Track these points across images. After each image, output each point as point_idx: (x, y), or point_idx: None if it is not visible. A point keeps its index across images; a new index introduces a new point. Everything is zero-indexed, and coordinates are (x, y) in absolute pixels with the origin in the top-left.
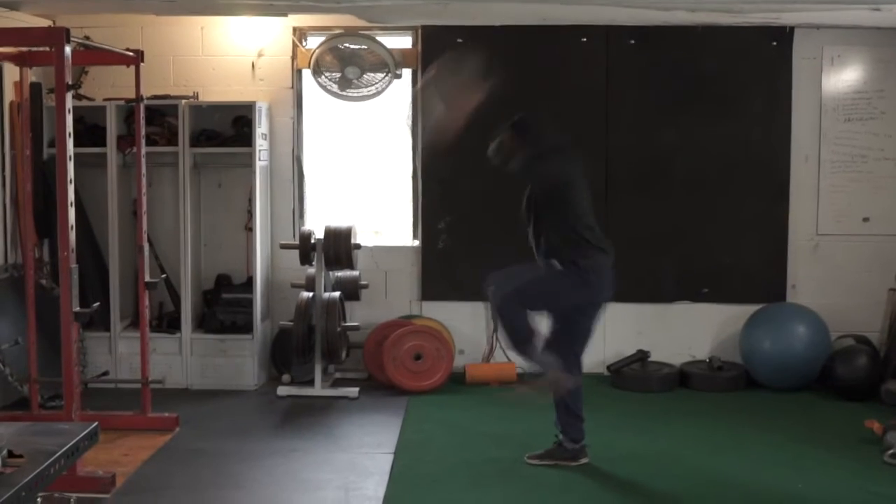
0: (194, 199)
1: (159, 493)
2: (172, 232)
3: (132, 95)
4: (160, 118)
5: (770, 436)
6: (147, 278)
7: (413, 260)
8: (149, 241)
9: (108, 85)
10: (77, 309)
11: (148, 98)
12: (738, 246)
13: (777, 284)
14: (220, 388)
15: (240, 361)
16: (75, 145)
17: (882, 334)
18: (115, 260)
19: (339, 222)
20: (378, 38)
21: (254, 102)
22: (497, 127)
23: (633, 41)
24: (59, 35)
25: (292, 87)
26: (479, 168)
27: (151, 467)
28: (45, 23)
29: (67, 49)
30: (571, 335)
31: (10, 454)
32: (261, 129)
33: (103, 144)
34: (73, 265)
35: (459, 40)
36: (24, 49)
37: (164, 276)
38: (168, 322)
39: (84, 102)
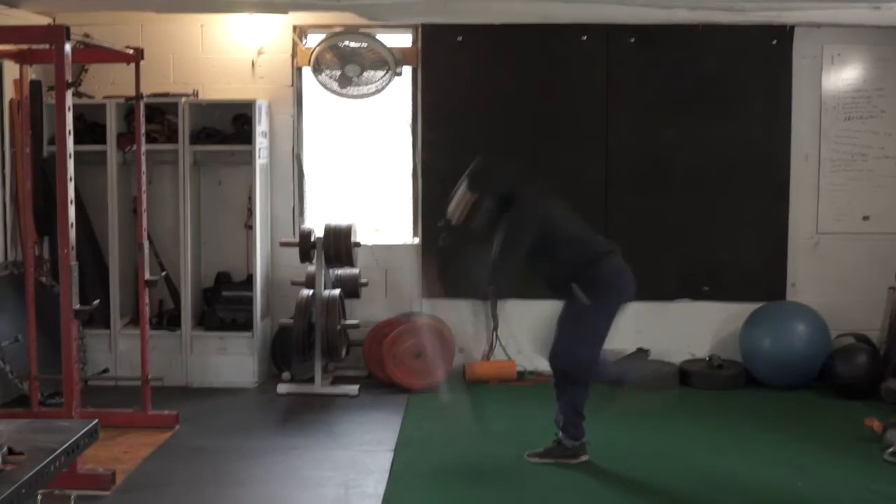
0: (194, 196)
1: (159, 490)
2: (172, 229)
3: (132, 93)
4: (160, 116)
5: (770, 434)
6: (147, 276)
7: (413, 258)
8: (149, 238)
9: (108, 83)
10: (77, 306)
11: (148, 96)
12: (738, 244)
13: (777, 283)
14: (220, 386)
15: (240, 359)
16: (75, 143)
17: (882, 332)
18: (115, 257)
19: (339, 220)
20: (378, 36)
21: (254, 100)
22: (497, 126)
23: (633, 39)
24: (58, 33)
25: (292, 85)
26: None
27: (151, 464)
28: (44, 20)
29: (67, 47)
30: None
31: (11, 451)
32: (261, 126)
33: (103, 142)
34: (73, 263)
35: (459, 38)
36: (24, 47)
37: (164, 273)
38: (168, 319)
39: (84, 100)
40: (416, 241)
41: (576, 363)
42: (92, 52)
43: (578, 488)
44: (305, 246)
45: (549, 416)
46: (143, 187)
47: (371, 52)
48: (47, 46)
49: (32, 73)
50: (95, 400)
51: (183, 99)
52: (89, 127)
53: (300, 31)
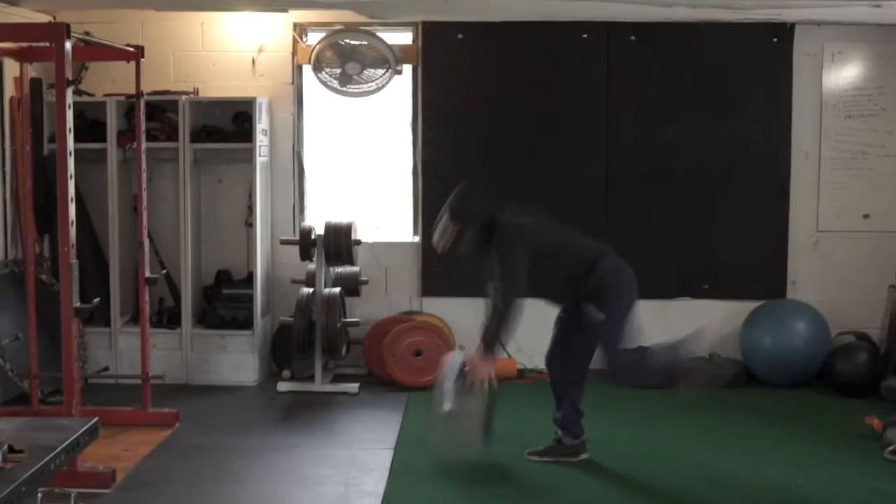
0: (194, 194)
1: (160, 488)
2: (173, 227)
3: (132, 91)
4: (160, 114)
5: (770, 432)
6: (147, 274)
7: (413, 256)
8: (149, 236)
9: (109, 80)
10: (77, 304)
11: (148, 94)
12: (738, 242)
13: (777, 281)
14: (221, 384)
15: (240, 357)
16: (75, 141)
17: (882, 331)
18: (115, 255)
19: (339, 218)
20: (378, 34)
21: (254, 98)
22: (498, 124)
23: (633, 37)
24: (59, 30)
25: (293, 83)
26: (480, 163)
27: (152, 463)
28: (45, 18)
29: (67, 44)
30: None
31: (11, 449)
32: (261, 124)
33: (103, 140)
34: (74, 261)
35: (460, 36)
36: (25, 44)
37: (164, 271)
38: (168, 317)
39: (84, 98)
40: (417, 239)
41: (630, 368)
42: (92, 50)
43: (578, 486)
44: (306, 244)
45: (549, 415)
46: (144, 185)
47: (371, 49)
48: (48, 44)
49: (33, 70)
50: (96, 398)
51: (183, 97)
52: (90, 125)
53: (300, 29)
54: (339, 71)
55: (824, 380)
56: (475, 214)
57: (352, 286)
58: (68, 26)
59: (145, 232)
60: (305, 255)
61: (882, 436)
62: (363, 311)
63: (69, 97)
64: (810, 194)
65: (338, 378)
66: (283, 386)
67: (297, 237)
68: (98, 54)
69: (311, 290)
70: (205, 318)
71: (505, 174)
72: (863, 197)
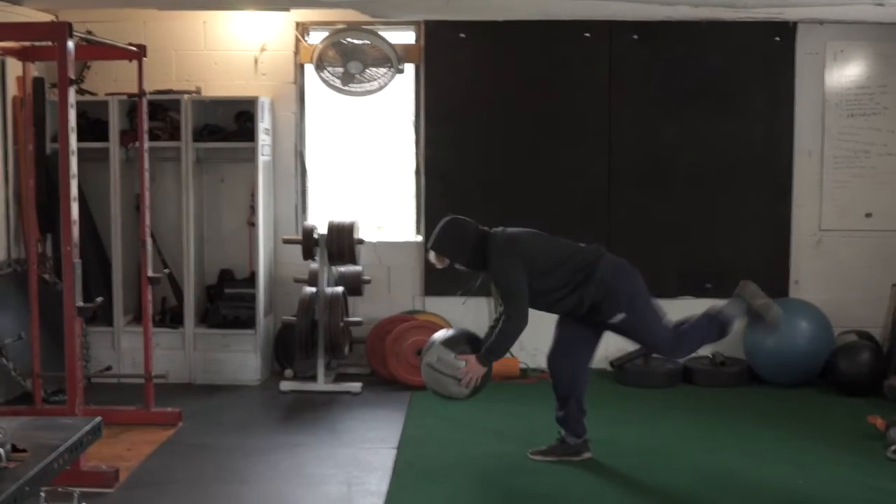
0: (197, 194)
1: (163, 487)
2: (175, 227)
3: (135, 90)
4: (163, 113)
5: (772, 431)
6: (150, 273)
7: (416, 255)
8: (151, 235)
9: (111, 80)
10: (80, 304)
11: (150, 93)
12: (740, 241)
13: (780, 280)
14: (223, 383)
15: (242, 356)
16: (78, 140)
17: (885, 330)
18: (117, 255)
19: (341, 217)
20: (381, 33)
21: (256, 97)
22: (500, 123)
23: (635, 36)
24: (61, 30)
25: (295, 82)
26: (482, 163)
27: (155, 462)
28: (47, 17)
29: (70, 44)
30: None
31: (14, 448)
32: (263, 124)
33: (106, 139)
34: (76, 260)
35: (462, 35)
36: (27, 44)
37: (166, 270)
38: (171, 317)
39: (87, 97)
40: (419, 238)
41: (680, 342)
42: (94, 49)
43: (581, 485)
44: (308, 243)
45: (551, 414)
46: (146, 184)
47: (374, 48)
48: (50, 43)
49: (35, 70)
50: (98, 397)
51: (185, 96)
52: (92, 124)
53: (303, 28)
54: (341, 70)
55: (827, 379)
56: (459, 250)
57: (354, 285)
58: (71, 25)
59: (148, 231)
60: (308, 255)
61: (885, 435)
62: (366, 311)
63: (72, 96)
64: (813, 193)
65: (340, 377)
66: (285, 385)
67: (300, 236)
68: (100, 53)
69: (313, 289)
70: (207, 318)
71: (506, 173)
72: (865, 196)
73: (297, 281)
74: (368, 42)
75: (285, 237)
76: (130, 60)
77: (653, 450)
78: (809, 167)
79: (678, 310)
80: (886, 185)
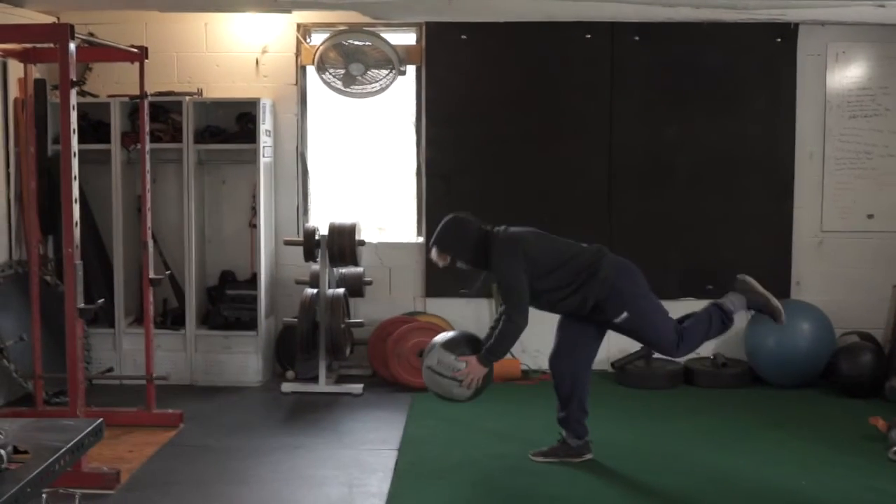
0: (198, 195)
1: (164, 489)
2: (177, 228)
3: (136, 92)
4: (164, 115)
5: (774, 432)
6: (151, 275)
7: (417, 256)
8: (153, 237)
9: (113, 81)
10: (81, 305)
11: (152, 95)
12: (742, 242)
13: (781, 281)
14: (225, 385)
15: (244, 358)
16: (79, 142)
17: (886, 331)
18: (119, 256)
19: (343, 219)
20: (382, 35)
21: (258, 99)
22: (501, 124)
23: (637, 38)
24: (63, 31)
25: (296, 84)
26: (483, 164)
27: (156, 463)
28: (49, 19)
29: (72, 45)
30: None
31: (16, 450)
32: (265, 125)
33: (107, 141)
34: (78, 262)
35: (463, 37)
36: (29, 45)
37: (168, 272)
38: (172, 318)
39: (88, 99)
40: (420, 239)
41: (685, 338)
42: (96, 51)
43: (583, 486)
44: (309, 245)
45: (553, 415)
46: (148, 186)
47: (375, 50)
48: (52, 45)
49: (37, 72)
50: (100, 399)
51: (187, 98)
52: (93, 126)
53: (304, 30)
54: (342, 72)
55: (828, 380)
56: (463, 246)
57: (356, 287)
58: (72, 27)
59: (149, 233)
60: (309, 256)
61: (886, 436)
62: (367, 312)
63: (73, 98)
64: (814, 194)
65: (342, 379)
66: (287, 387)
67: (301, 238)
68: (102, 55)
69: (314, 290)
70: (209, 319)
71: (508, 174)
72: (867, 197)
73: (299, 282)
74: (370, 44)
75: (286, 239)
76: (132, 62)
77: (654, 451)
78: (811, 168)
79: (680, 311)
80: (888, 187)
